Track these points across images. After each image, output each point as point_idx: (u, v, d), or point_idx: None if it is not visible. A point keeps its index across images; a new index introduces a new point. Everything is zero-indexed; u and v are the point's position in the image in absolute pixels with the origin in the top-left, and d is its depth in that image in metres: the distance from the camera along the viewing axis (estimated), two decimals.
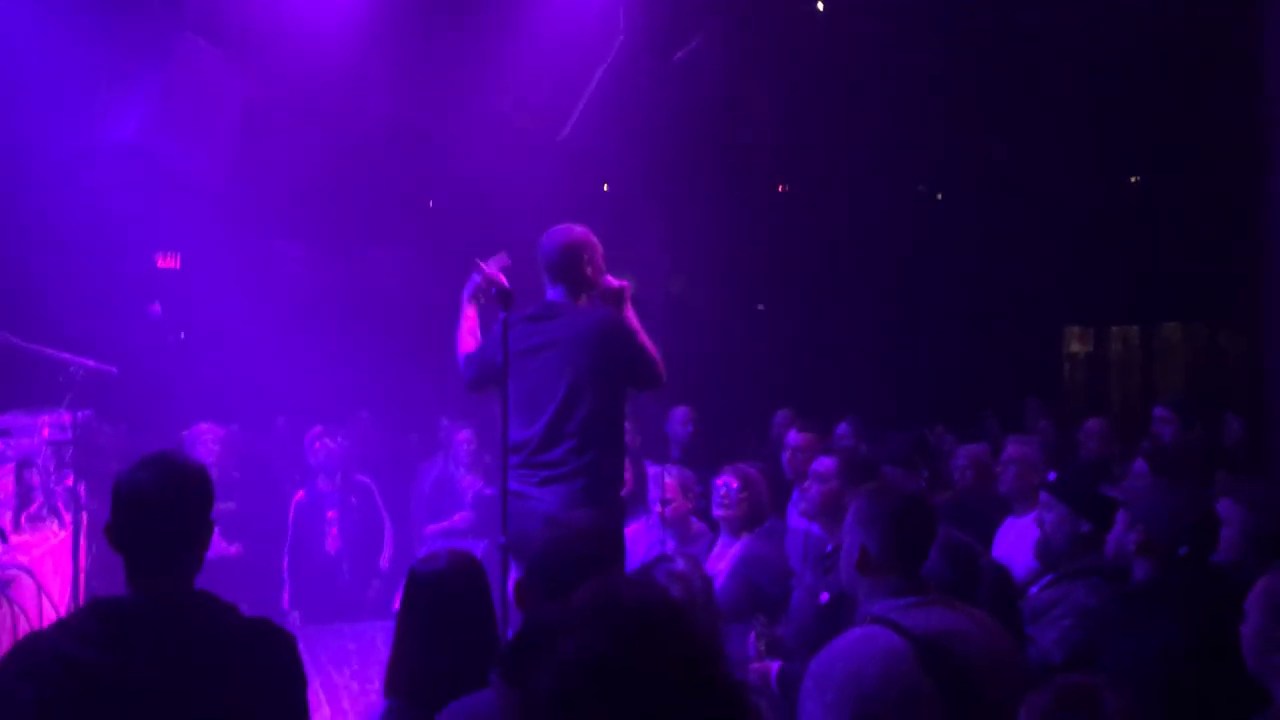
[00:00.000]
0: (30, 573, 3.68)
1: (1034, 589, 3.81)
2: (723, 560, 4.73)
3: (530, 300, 4.19)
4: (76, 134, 7.53)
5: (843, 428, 7.34)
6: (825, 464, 4.41)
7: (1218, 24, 8.20)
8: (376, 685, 5.52)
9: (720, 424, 8.30)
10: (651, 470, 5.93)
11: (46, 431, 4.94)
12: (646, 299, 12.49)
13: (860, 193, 11.69)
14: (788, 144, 10.62)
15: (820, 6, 9.50)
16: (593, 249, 4.16)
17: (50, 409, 4.98)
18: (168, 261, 11.12)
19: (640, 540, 5.50)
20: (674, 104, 8.48)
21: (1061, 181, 11.40)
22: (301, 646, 6.59)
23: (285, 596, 7.28)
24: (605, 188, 11.72)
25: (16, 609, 3.43)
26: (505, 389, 3.81)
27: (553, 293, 4.13)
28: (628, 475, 4.57)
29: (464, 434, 7.74)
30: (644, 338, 4.16)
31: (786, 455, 5.99)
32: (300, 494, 7.42)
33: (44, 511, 4.76)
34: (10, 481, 4.50)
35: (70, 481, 4.88)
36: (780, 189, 12.53)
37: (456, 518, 7.50)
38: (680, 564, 3.00)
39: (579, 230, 4.18)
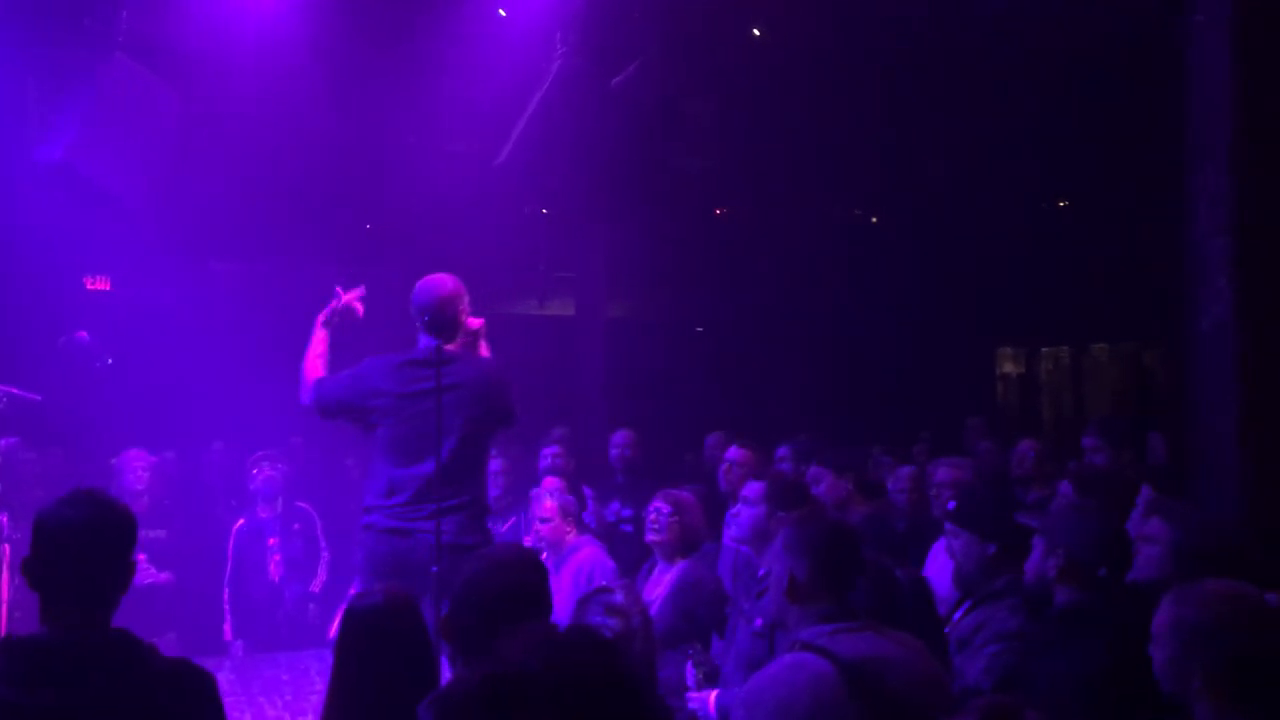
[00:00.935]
0: None
1: (956, 615, 3.85)
2: (659, 586, 4.73)
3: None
4: (2, 155, 7.38)
5: (783, 450, 7.40)
6: (753, 488, 4.42)
7: (1144, 56, 8.42)
8: (309, 718, 5.45)
9: (659, 447, 8.32)
10: (533, 491, 5.94)
11: None
12: (586, 323, 12.58)
13: (797, 216, 11.83)
14: (726, 168, 10.73)
15: (756, 32, 9.61)
16: (465, 297, 4.48)
17: None
18: (97, 284, 10.93)
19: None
20: (612, 128, 8.50)
21: (993, 206, 11.63)
22: (235, 676, 6.49)
23: (227, 628, 7.15)
24: (544, 211, 11.73)
25: None
26: (440, 411, 4.03)
27: (430, 340, 4.33)
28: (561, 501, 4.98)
29: None
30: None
31: (723, 469, 6.05)
32: (240, 522, 7.30)
33: None
34: None
35: None
36: (718, 212, 12.64)
37: None
38: (619, 596, 3.00)
39: (452, 280, 4.47)
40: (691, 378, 12.00)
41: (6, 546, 4.53)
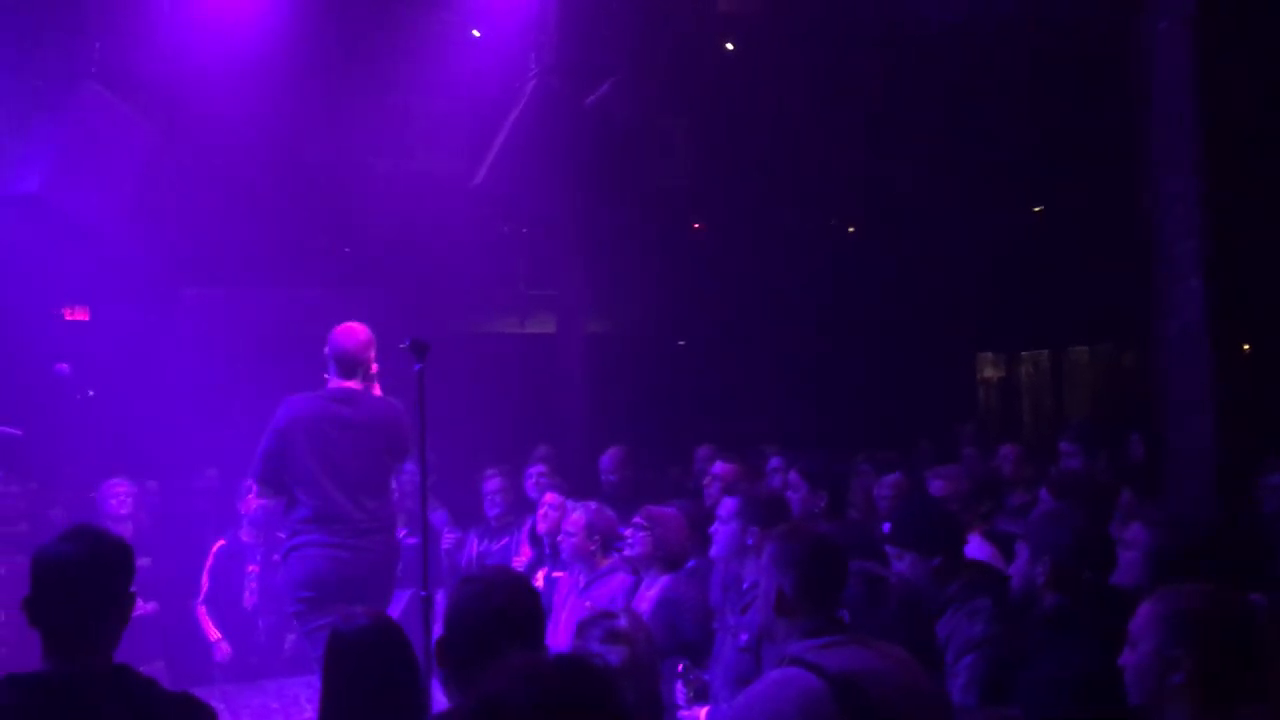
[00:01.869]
0: None
1: None
2: (643, 602, 4.73)
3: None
4: None
5: (775, 461, 7.42)
6: (728, 505, 4.44)
7: (1111, 60, 8.51)
8: None
9: (644, 463, 8.33)
10: (549, 504, 5.94)
11: None
12: (567, 340, 12.57)
13: (775, 227, 11.89)
14: (702, 182, 10.78)
15: (729, 46, 9.68)
16: (374, 345, 5.05)
17: None
18: (76, 314, 10.87)
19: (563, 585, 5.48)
20: (588, 146, 8.54)
21: (969, 212, 11.72)
22: (223, 705, 6.45)
23: (208, 629, 7.08)
24: (523, 230, 11.76)
25: None
26: (423, 432, 4.28)
27: (347, 380, 4.95)
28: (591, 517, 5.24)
29: None
30: None
31: (705, 484, 6.06)
32: (221, 542, 7.25)
33: None
34: None
35: None
36: (696, 226, 12.70)
37: None
38: (622, 622, 3.00)
39: (365, 329, 5.04)
40: (674, 392, 12.03)
41: None
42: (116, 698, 2.25)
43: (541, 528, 6.11)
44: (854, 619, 3.14)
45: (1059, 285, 12.37)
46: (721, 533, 4.39)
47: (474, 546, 6.89)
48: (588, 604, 4.88)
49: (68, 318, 10.69)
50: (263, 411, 5.24)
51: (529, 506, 6.77)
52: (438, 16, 8.27)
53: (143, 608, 6.94)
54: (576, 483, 7.39)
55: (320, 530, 4.81)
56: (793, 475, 5.28)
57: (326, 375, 5.02)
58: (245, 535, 7.18)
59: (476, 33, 8.31)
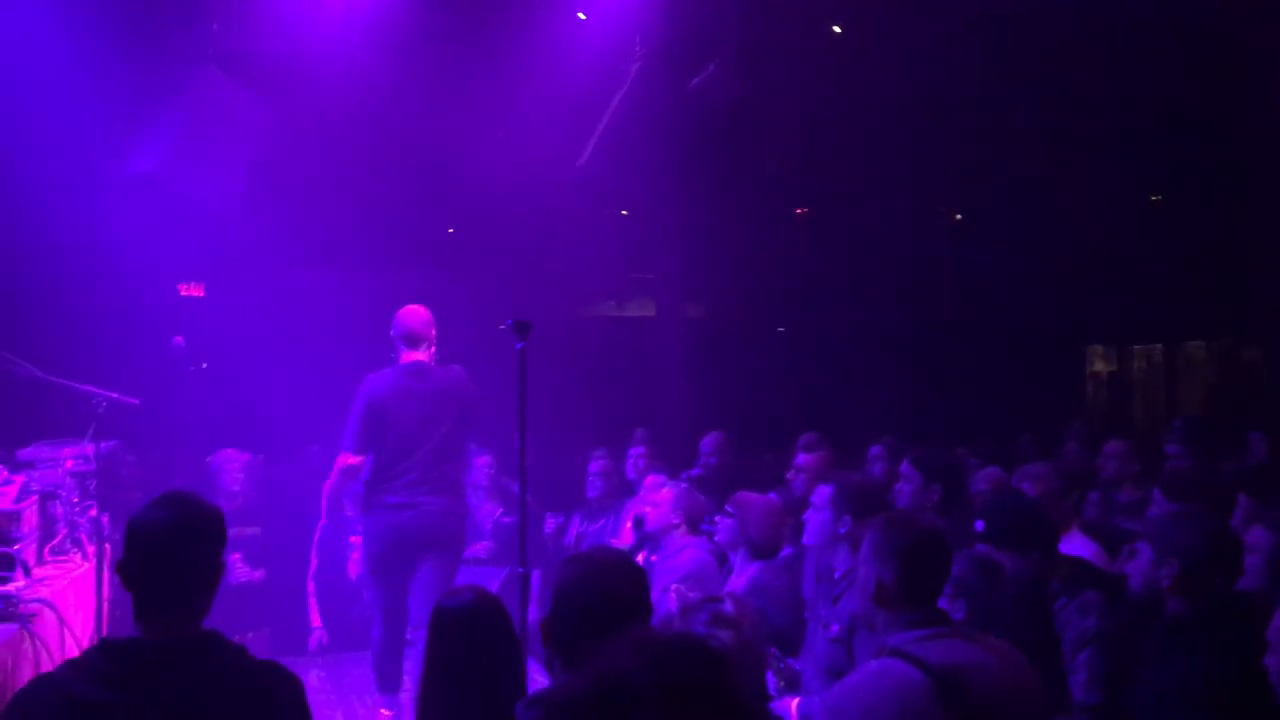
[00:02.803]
0: (53, 606, 3.70)
1: None
2: (733, 588, 4.69)
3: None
4: (100, 166, 7.61)
5: (876, 449, 7.32)
6: (821, 493, 4.35)
7: (1242, 45, 8.18)
8: (402, 715, 5.53)
9: (741, 449, 8.28)
10: (650, 484, 5.94)
11: (70, 463, 4.98)
12: (666, 323, 12.53)
13: (880, 214, 11.68)
14: (807, 166, 10.64)
15: (837, 29, 9.52)
16: (434, 322, 5.56)
17: (74, 441, 5.02)
18: (192, 290, 11.21)
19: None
20: (691, 129, 8.50)
21: (1083, 200, 11.36)
22: (325, 674, 6.59)
23: (313, 614, 7.28)
24: (624, 214, 11.76)
25: (38, 643, 3.46)
26: (523, 412, 4.33)
27: (418, 355, 5.45)
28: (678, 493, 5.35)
29: (483, 459, 7.71)
30: None
31: (790, 475, 6.00)
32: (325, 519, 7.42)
33: (67, 544, 4.78)
34: (34, 514, 4.53)
35: (94, 513, 4.91)
36: (799, 211, 12.54)
37: (477, 546, 7.46)
38: (728, 606, 2.97)
39: (425, 309, 5.55)
40: (773, 379, 11.92)
41: (107, 546, 4.66)
42: (202, 665, 2.27)
43: (642, 510, 6.14)
44: (971, 607, 3.07)
45: (1175, 276, 11.93)
46: (814, 520, 4.31)
47: (574, 528, 6.94)
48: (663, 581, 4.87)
49: (184, 293, 11.03)
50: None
51: (629, 489, 6.79)
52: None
53: (250, 575, 7.15)
54: (674, 466, 7.39)
55: (393, 490, 5.34)
56: (904, 465, 5.13)
57: (394, 354, 5.49)
58: (348, 509, 7.34)
59: (582, 15, 8.32)
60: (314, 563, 7.33)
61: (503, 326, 4.53)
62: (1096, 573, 3.89)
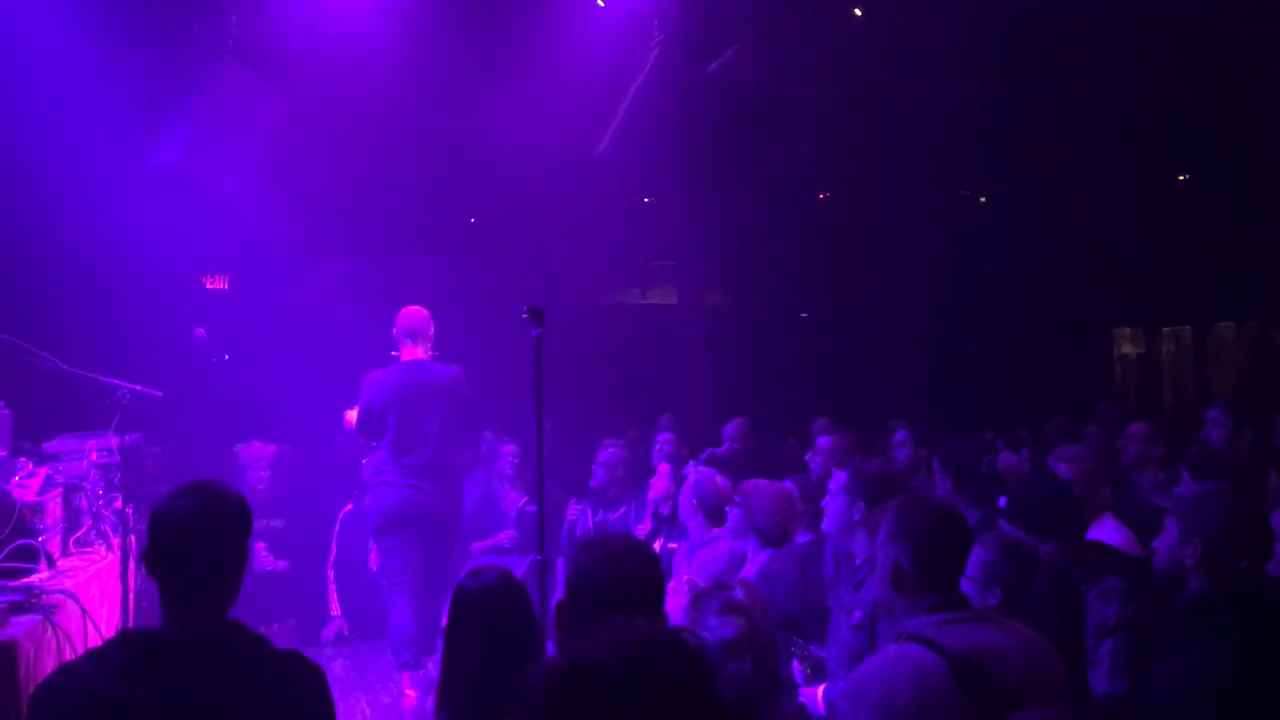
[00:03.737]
0: (76, 598, 3.72)
1: None
2: (746, 576, 4.66)
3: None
4: (123, 159, 7.64)
5: (900, 434, 7.29)
6: (838, 478, 4.34)
7: (1271, 19, 8.04)
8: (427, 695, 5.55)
9: (764, 434, 8.26)
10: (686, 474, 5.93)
11: (94, 455, 5.01)
12: (687, 311, 12.47)
13: (903, 198, 11.59)
14: (827, 153, 10.56)
15: (858, 12, 9.42)
16: (432, 320, 6.09)
17: (98, 433, 5.04)
18: (216, 283, 11.26)
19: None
20: (711, 114, 8.44)
21: (1110, 180, 11.22)
22: (348, 663, 6.62)
23: (333, 603, 7.32)
24: (645, 200, 11.72)
25: (61, 634, 3.47)
26: (539, 399, 4.37)
27: (418, 351, 6.01)
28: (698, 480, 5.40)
29: (509, 448, 7.72)
30: None
31: (809, 456, 5.98)
32: (349, 506, 7.45)
33: (91, 535, 4.81)
34: (58, 506, 4.56)
35: (119, 504, 4.94)
36: (821, 196, 12.46)
37: (502, 535, 7.49)
38: (738, 593, 2.95)
39: (424, 309, 6.09)
40: (796, 365, 11.87)
41: (133, 538, 4.69)
42: (224, 657, 2.26)
43: (650, 495, 6.18)
44: (1006, 595, 3.03)
45: (1204, 257, 11.77)
46: (831, 506, 4.29)
47: (590, 517, 6.95)
48: (690, 572, 4.85)
49: (208, 286, 11.08)
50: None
51: (649, 476, 6.79)
52: None
53: (275, 566, 7.20)
54: (696, 453, 7.38)
55: (398, 472, 5.91)
56: (936, 469, 5.10)
57: (395, 353, 6.04)
58: (369, 499, 7.36)
59: (601, 1, 8.28)
60: (334, 551, 7.37)
61: (522, 315, 4.51)
62: (1120, 558, 3.83)
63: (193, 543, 2.31)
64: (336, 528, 7.41)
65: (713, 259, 11.73)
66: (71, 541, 4.65)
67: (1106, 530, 4.43)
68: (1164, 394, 15.07)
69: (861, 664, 2.63)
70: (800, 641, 3.93)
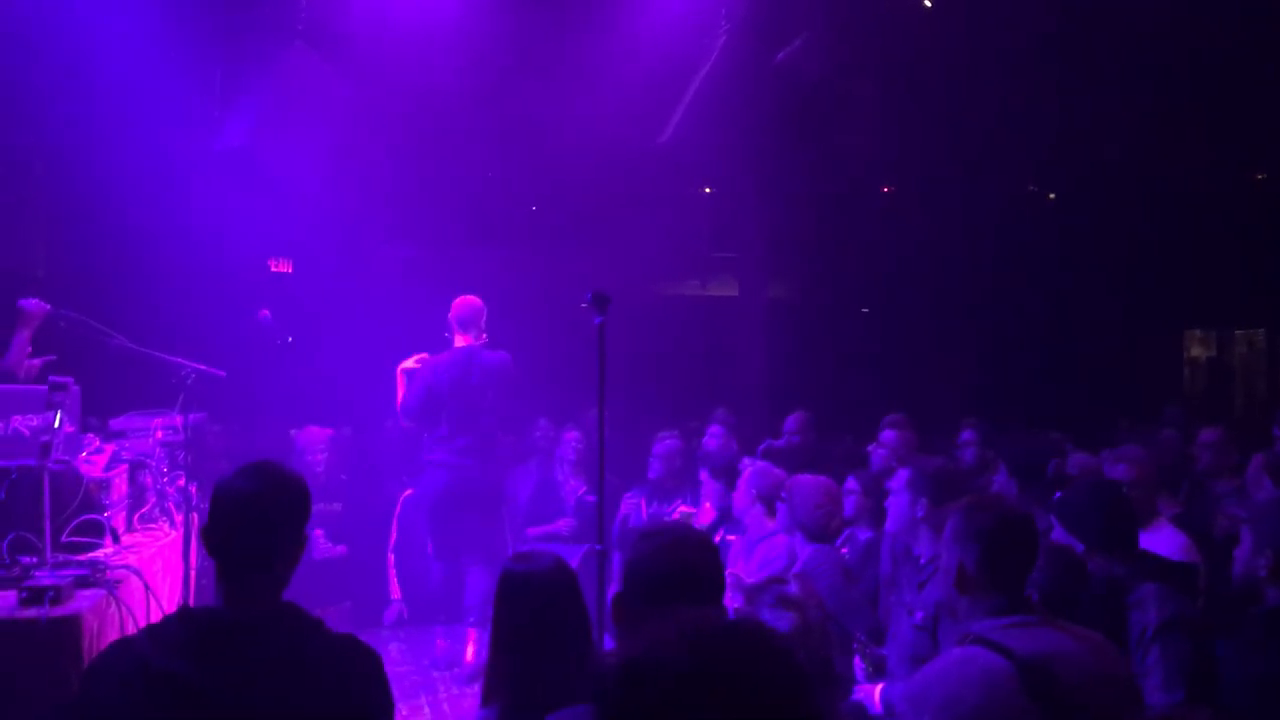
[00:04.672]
0: (139, 573, 3.77)
1: None
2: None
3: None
4: (192, 143, 7.75)
5: (967, 434, 7.18)
6: (900, 477, 4.28)
7: None
8: (475, 688, 5.57)
9: (823, 431, 8.17)
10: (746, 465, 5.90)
11: (160, 433, 5.08)
12: (748, 303, 12.38)
13: (969, 193, 11.40)
14: (893, 145, 10.42)
15: (928, 3, 9.27)
16: (484, 310, 6.47)
17: (163, 411, 5.12)
18: (281, 266, 11.38)
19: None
20: (776, 105, 8.37)
21: (1181, 179, 10.95)
22: (404, 647, 6.67)
23: (393, 586, 7.37)
24: (707, 190, 11.66)
25: (124, 609, 3.52)
26: (602, 388, 4.32)
27: (469, 339, 6.39)
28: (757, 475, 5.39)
29: (572, 434, 7.71)
30: None
31: (870, 448, 5.91)
32: (409, 492, 7.49)
33: (156, 512, 4.88)
34: (124, 482, 4.63)
35: (182, 482, 5.01)
36: (885, 190, 12.30)
37: (559, 523, 7.48)
38: (793, 588, 2.91)
39: (478, 299, 6.48)
40: (856, 360, 11.74)
41: (195, 515, 4.75)
42: (280, 638, 2.26)
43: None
44: (1048, 601, 2.96)
45: (1279, 258, 11.45)
46: (893, 505, 4.23)
47: (644, 510, 6.93)
48: (750, 566, 4.82)
49: (273, 269, 11.20)
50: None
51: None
52: None
53: (333, 550, 7.25)
54: (753, 446, 7.33)
55: (447, 452, 6.31)
56: (1003, 471, 5.00)
57: (449, 336, 6.41)
58: (422, 480, 7.39)
59: None
60: (394, 535, 7.41)
61: (583, 305, 4.48)
62: (1160, 564, 3.71)
63: (251, 520, 2.32)
64: (398, 510, 7.45)
65: (774, 251, 11.63)
66: (136, 518, 4.72)
67: (1163, 537, 4.31)
68: (1235, 398, 14.71)
69: (924, 666, 2.57)
70: (863, 638, 3.87)
